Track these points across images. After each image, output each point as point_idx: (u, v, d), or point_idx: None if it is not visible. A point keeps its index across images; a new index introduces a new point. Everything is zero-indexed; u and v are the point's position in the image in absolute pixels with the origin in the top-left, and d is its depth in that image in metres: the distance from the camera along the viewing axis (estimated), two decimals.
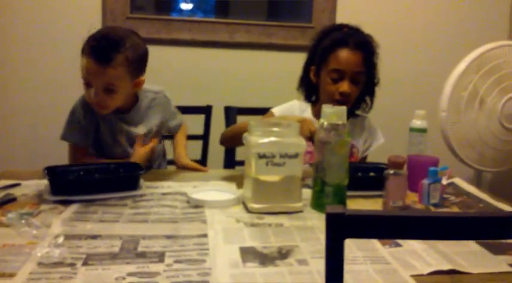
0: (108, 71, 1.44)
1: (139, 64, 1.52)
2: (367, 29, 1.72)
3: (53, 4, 2.30)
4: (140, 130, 1.63)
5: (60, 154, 1.64)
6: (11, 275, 0.84)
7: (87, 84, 1.49)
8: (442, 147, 2.08)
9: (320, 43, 1.70)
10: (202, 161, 2.01)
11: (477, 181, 2.24)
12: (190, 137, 1.89)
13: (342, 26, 1.73)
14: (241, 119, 1.92)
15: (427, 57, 2.59)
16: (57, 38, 2.31)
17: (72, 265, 0.88)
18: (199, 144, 2.03)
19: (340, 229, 0.65)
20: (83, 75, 1.48)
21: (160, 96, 1.70)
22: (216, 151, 2.01)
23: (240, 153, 1.95)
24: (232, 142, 1.69)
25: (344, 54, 1.62)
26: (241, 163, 1.70)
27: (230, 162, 1.97)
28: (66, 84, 2.18)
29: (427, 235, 0.68)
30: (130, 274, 0.86)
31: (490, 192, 1.49)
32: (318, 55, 1.68)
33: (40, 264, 0.88)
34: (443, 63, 2.29)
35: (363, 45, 1.65)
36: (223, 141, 1.73)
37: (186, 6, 2.84)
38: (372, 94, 1.75)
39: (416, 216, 0.67)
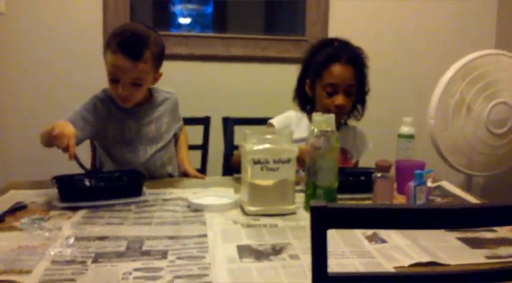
0: (139, 65, 1.52)
1: (160, 58, 1.61)
2: (357, 40, 1.81)
3: (55, 23, 2.39)
4: (151, 127, 1.69)
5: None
6: (28, 272, 0.92)
7: (114, 80, 1.55)
8: (432, 153, 2.17)
9: (313, 57, 1.79)
10: (202, 170, 2.09)
11: (467, 186, 2.32)
12: (190, 147, 1.97)
13: (332, 40, 1.82)
14: (238, 129, 2.01)
15: (416, 66, 2.69)
16: (58, 54, 2.40)
17: (83, 262, 0.96)
18: (198, 153, 2.11)
19: (323, 220, 0.73)
20: (110, 71, 1.55)
21: (172, 97, 1.78)
22: (215, 160, 2.11)
23: None
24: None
25: (337, 69, 1.72)
26: (239, 171, 1.78)
27: (228, 170, 2.05)
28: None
29: (399, 225, 0.76)
30: (136, 269, 0.94)
31: (483, 197, 1.57)
32: (312, 70, 1.77)
33: (53, 262, 0.96)
34: (431, 72, 2.40)
35: (354, 59, 1.75)
36: (233, 165, 1.79)
37: (184, 21, 2.94)
38: (362, 103, 1.84)
39: (387, 208, 0.75)
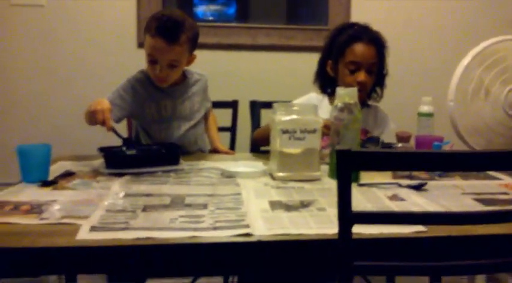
0: (175, 48, 1.65)
1: (194, 42, 1.73)
2: (379, 27, 1.91)
3: (91, 16, 2.54)
4: (185, 106, 1.82)
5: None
6: (86, 217, 1.05)
7: (152, 61, 1.68)
8: (451, 134, 2.25)
9: (335, 40, 1.90)
10: (231, 149, 2.21)
11: None
12: (220, 129, 2.10)
13: (352, 24, 1.93)
14: (264, 112, 2.12)
15: (436, 49, 2.78)
16: (94, 46, 2.55)
17: (133, 211, 1.09)
18: (227, 135, 2.24)
19: (348, 162, 0.85)
20: (149, 53, 1.67)
21: (203, 78, 1.92)
22: (243, 141, 2.23)
23: None
24: (262, 141, 1.85)
25: (360, 48, 1.82)
26: (265, 152, 1.89)
27: (255, 150, 2.16)
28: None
29: (409, 166, 0.87)
30: (181, 216, 1.06)
31: None
32: (335, 50, 1.87)
33: (107, 210, 1.09)
34: (450, 55, 2.47)
35: (375, 39, 1.85)
36: (255, 140, 1.93)
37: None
38: (382, 85, 1.94)
39: (400, 152, 0.86)
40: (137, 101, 1.77)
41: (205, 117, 1.98)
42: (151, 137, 1.81)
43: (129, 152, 1.50)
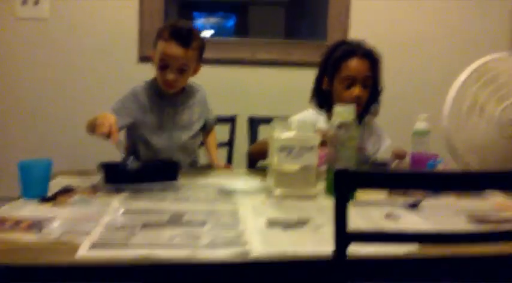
0: (187, 52, 1.74)
1: (202, 52, 1.83)
2: (377, 43, 1.95)
3: (94, 28, 2.57)
4: (185, 115, 1.88)
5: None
6: (86, 234, 1.06)
7: (163, 67, 1.76)
8: (447, 153, 2.27)
9: (330, 55, 1.93)
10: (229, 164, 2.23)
11: None
12: (218, 144, 2.12)
13: (347, 41, 1.97)
14: (263, 128, 2.15)
15: (432, 67, 2.82)
16: (97, 58, 2.58)
17: (132, 229, 1.10)
18: (225, 150, 2.26)
19: (345, 181, 0.87)
20: (160, 58, 1.75)
21: (202, 90, 1.98)
22: (240, 156, 2.24)
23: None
24: (258, 156, 1.89)
25: (354, 63, 1.86)
26: (255, 161, 1.91)
27: (251, 166, 2.18)
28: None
29: (405, 185, 0.89)
30: (180, 234, 1.07)
31: None
32: (330, 66, 1.91)
33: (107, 227, 1.11)
34: (446, 73, 2.50)
35: (369, 54, 1.89)
36: (251, 155, 1.97)
37: (206, 33, 3.09)
38: (377, 100, 1.97)
39: (395, 173, 0.88)
40: (140, 109, 1.82)
41: (207, 132, 2.02)
42: (150, 147, 1.84)
43: (128, 167, 1.51)
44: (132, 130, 1.90)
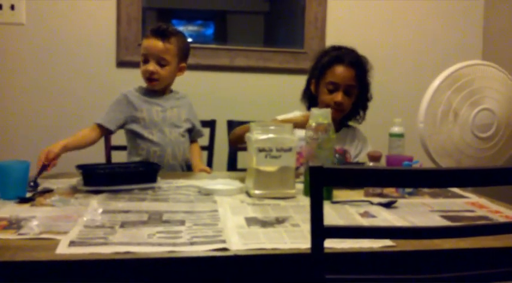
0: (164, 44, 1.87)
1: (184, 52, 1.96)
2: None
3: (71, 35, 2.56)
4: (174, 114, 1.95)
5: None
6: (65, 233, 1.06)
7: (145, 61, 1.89)
8: (422, 155, 2.32)
9: (320, 60, 1.98)
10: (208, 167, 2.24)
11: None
12: None
13: (340, 47, 2.01)
14: None
15: (407, 73, 2.88)
16: (74, 64, 2.57)
17: (111, 227, 1.11)
18: (205, 153, 2.27)
19: (320, 178, 0.89)
20: (142, 53, 1.90)
21: (188, 98, 2.06)
22: (220, 159, 2.26)
23: (240, 161, 2.19)
24: (238, 141, 1.92)
25: (339, 70, 1.91)
26: (242, 170, 1.94)
27: (232, 168, 2.21)
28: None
29: (378, 183, 0.92)
30: (159, 232, 1.08)
31: None
32: (318, 70, 1.96)
33: (86, 226, 1.11)
34: (421, 79, 2.56)
35: (356, 63, 1.94)
36: (231, 141, 2.02)
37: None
38: (364, 108, 2.01)
39: (368, 169, 0.91)
40: (131, 107, 1.91)
41: (193, 140, 2.07)
42: (146, 142, 1.89)
43: (106, 170, 1.52)
44: (126, 126, 1.94)
